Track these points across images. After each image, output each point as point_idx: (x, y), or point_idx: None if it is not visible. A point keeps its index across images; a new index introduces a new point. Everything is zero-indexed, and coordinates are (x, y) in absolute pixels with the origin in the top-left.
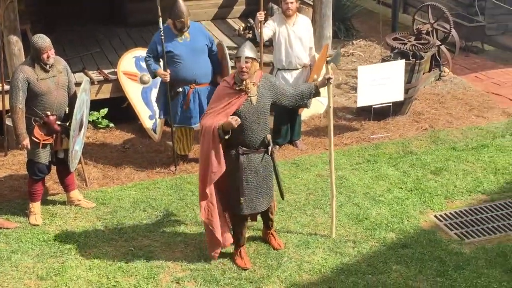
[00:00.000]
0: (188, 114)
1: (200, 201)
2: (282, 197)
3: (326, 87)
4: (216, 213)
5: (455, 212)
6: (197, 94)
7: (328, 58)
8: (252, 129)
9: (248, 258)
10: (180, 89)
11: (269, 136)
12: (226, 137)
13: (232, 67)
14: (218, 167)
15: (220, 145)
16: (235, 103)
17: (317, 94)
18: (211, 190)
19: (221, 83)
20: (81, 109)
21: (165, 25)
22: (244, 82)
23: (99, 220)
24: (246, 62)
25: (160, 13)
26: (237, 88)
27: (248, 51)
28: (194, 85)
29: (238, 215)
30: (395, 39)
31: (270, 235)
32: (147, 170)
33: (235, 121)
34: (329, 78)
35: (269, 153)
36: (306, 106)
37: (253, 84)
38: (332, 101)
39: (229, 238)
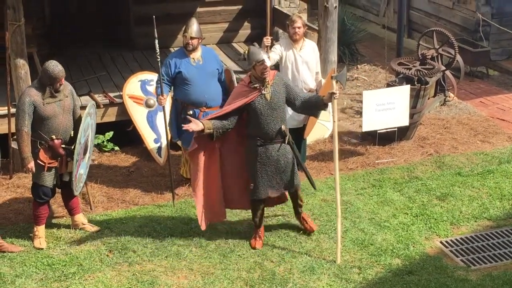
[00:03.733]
0: None
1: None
2: (314, 186)
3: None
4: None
5: (461, 238)
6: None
7: (333, 74)
8: (267, 122)
9: (261, 241)
10: (191, 112)
11: (284, 127)
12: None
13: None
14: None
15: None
16: (247, 98)
17: (323, 106)
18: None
19: (239, 83)
20: (86, 132)
21: (180, 47)
22: (265, 81)
23: (104, 244)
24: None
25: (156, 35)
26: (252, 86)
27: (264, 54)
28: (205, 108)
29: (252, 200)
30: (400, 64)
31: (302, 219)
32: (152, 194)
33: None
34: (332, 93)
35: (286, 142)
36: (315, 116)
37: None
38: (336, 116)
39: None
